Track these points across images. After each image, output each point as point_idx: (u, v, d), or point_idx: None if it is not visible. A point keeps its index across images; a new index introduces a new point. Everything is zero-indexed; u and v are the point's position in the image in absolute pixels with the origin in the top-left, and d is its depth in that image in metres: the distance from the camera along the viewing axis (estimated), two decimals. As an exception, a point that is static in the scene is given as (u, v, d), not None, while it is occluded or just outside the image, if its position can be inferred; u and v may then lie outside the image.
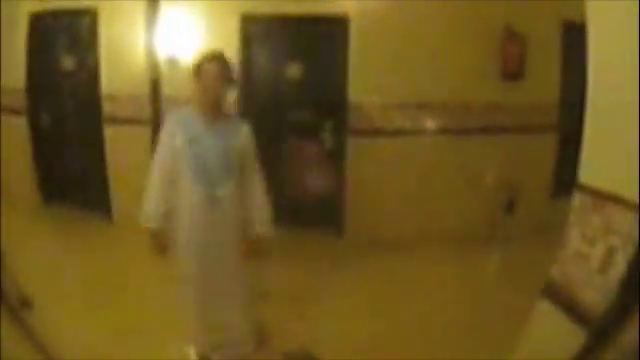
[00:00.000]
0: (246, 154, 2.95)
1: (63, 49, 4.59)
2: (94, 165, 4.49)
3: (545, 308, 2.40)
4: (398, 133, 4.30)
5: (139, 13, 4.24)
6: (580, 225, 2.28)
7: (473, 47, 4.19)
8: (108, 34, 4.34)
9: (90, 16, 4.36)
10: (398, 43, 4.13)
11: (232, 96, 3.13)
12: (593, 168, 2.25)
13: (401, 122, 4.29)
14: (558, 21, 4.26)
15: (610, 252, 2.11)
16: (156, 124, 2.92)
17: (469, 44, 4.17)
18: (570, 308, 2.27)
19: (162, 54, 4.22)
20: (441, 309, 3.44)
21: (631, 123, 1.98)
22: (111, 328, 3.17)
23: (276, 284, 3.58)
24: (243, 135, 2.95)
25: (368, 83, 4.22)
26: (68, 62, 4.58)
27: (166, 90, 4.24)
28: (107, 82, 4.36)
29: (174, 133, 2.86)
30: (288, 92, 4.41)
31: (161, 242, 2.92)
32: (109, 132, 4.43)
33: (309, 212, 4.33)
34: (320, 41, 4.40)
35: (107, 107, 4.41)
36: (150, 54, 4.25)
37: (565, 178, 2.48)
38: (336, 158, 4.37)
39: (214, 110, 2.88)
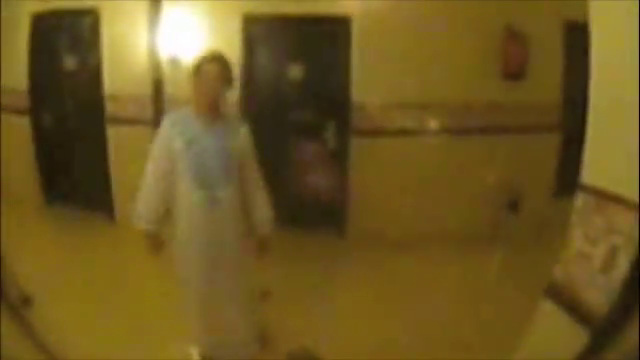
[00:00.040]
0: (245, 154, 2.95)
1: (65, 49, 4.59)
2: (96, 165, 4.50)
3: (548, 308, 2.40)
4: (400, 133, 4.30)
5: (141, 13, 4.24)
6: (583, 225, 2.28)
7: (475, 47, 4.19)
8: (110, 34, 4.34)
9: (92, 16, 4.36)
10: (400, 43, 4.13)
11: (231, 97, 3.13)
12: (595, 168, 2.25)
13: (403, 122, 4.29)
14: (560, 21, 4.26)
15: (613, 252, 2.12)
16: (158, 124, 2.92)
17: (471, 44, 4.17)
18: (573, 308, 2.28)
19: (164, 54, 4.22)
20: (443, 309, 3.44)
21: (633, 123, 1.98)
22: (113, 328, 3.18)
23: (278, 284, 3.58)
24: (242, 136, 2.95)
25: (370, 83, 4.22)
26: (70, 62, 4.59)
27: (168, 90, 4.24)
28: (109, 82, 4.36)
29: (172, 135, 2.86)
30: (290, 92, 4.41)
31: (155, 243, 2.93)
32: (111, 132, 4.43)
33: (311, 212, 4.33)
34: (322, 41, 4.40)
35: (109, 107, 4.41)
36: (152, 54, 4.25)
37: (567, 178, 2.48)
38: (338, 158, 4.37)
39: (213, 111, 2.88)
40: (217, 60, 2.84)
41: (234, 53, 4.01)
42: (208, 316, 3.08)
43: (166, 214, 2.92)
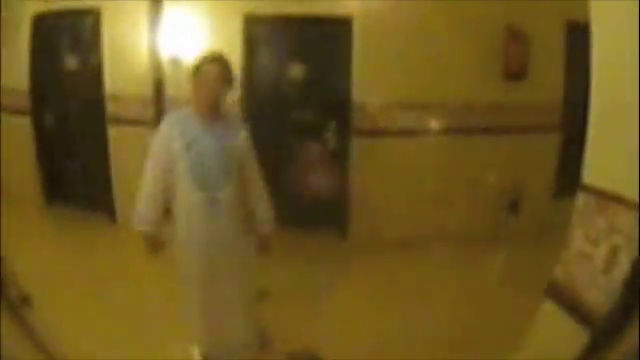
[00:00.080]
0: (245, 155, 2.95)
1: (66, 49, 4.59)
2: (97, 165, 4.49)
3: (549, 308, 2.40)
4: (401, 133, 4.30)
5: (142, 13, 4.24)
6: (583, 225, 2.28)
7: (476, 47, 4.19)
8: (111, 34, 4.34)
9: (93, 16, 4.36)
10: (401, 43, 4.13)
11: (231, 97, 3.13)
12: (597, 168, 2.25)
13: (404, 122, 4.29)
14: (561, 21, 4.25)
15: (614, 252, 2.12)
16: (159, 124, 2.93)
17: (472, 44, 4.16)
18: (574, 308, 2.28)
19: (165, 54, 4.22)
20: (444, 309, 3.44)
21: (634, 123, 1.98)
22: (114, 328, 3.18)
23: (279, 284, 3.58)
24: (242, 136, 2.95)
25: (371, 83, 4.22)
26: (71, 62, 4.58)
27: (169, 90, 4.24)
28: (110, 82, 4.36)
29: (171, 135, 2.86)
30: (291, 92, 4.41)
31: (154, 244, 2.93)
32: (113, 132, 4.43)
33: (312, 212, 4.32)
34: (323, 41, 4.40)
35: (110, 107, 4.41)
36: (153, 54, 4.25)
37: (568, 178, 2.48)
38: (339, 158, 4.36)
39: (213, 111, 2.88)
40: (217, 60, 2.85)
41: (235, 53, 4.01)
42: (209, 316, 3.08)
43: (166, 215, 2.93)
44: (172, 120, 2.87)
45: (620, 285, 2.03)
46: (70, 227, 4.43)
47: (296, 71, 4.38)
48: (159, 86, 4.27)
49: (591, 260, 2.19)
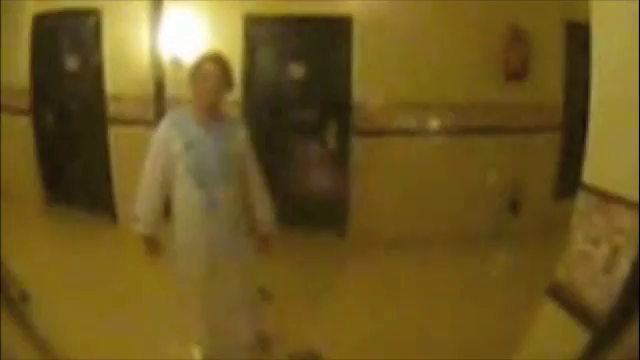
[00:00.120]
0: (245, 155, 2.94)
1: (67, 50, 4.59)
2: (98, 165, 4.50)
3: (549, 308, 2.40)
4: (402, 133, 4.31)
5: (143, 14, 4.24)
6: (584, 225, 2.28)
7: (477, 47, 4.19)
8: (112, 35, 4.35)
9: (94, 17, 4.36)
10: (401, 43, 4.13)
11: (231, 97, 3.12)
12: (597, 168, 2.25)
13: (405, 122, 4.29)
14: (562, 21, 4.26)
15: (614, 252, 2.12)
16: (160, 125, 2.93)
17: (472, 44, 4.17)
18: (574, 308, 2.28)
19: (166, 55, 4.22)
20: (445, 309, 3.44)
21: (635, 123, 1.98)
22: (115, 329, 3.17)
23: (279, 285, 3.58)
24: (241, 137, 2.95)
25: (371, 83, 4.22)
26: (72, 63, 4.59)
27: (170, 91, 4.24)
28: (111, 83, 4.37)
29: (169, 137, 2.84)
30: (291, 92, 4.41)
31: (153, 246, 2.92)
32: (113, 133, 4.43)
33: (312, 212, 4.33)
34: (323, 41, 4.41)
35: (111, 107, 4.42)
36: (154, 55, 4.25)
37: (569, 178, 2.48)
38: (340, 158, 4.37)
39: (212, 112, 2.87)
40: (216, 60, 2.84)
41: (235, 53, 4.02)
42: (209, 317, 3.08)
43: (165, 216, 2.93)
44: (171, 120, 2.86)
45: (620, 285, 2.03)
46: (70, 227, 4.43)
47: (296, 71, 4.38)
48: (160, 86, 4.27)
49: (592, 260, 2.19)
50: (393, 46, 4.15)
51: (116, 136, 4.42)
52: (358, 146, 4.35)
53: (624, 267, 2.04)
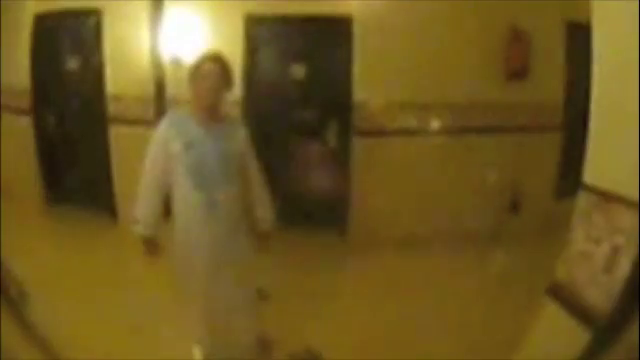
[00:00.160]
0: (245, 155, 2.95)
1: (68, 50, 4.59)
2: (98, 165, 4.49)
3: (550, 308, 2.40)
4: (402, 133, 4.30)
5: (144, 14, 4.24)
6: (585, 225, 2.28)
7: (477, 47, 4.19)
8: (113, 35, 4.34)
9: (95, 17, 4.36)
10: (402, 43, 4.13)
11: (231, 97, 3.13)
12: (598, 168, 2.25)
13: (405, 122, 4.29)
14: (563, 21, 4.25)
15: (615, 252, 2.12)
16: (160, 125, 2.94)
17: (473, 44, 4.16)
18: (575, 308, 2.28)
19: (167, 55, 4.22)
20: (445, 308, 3.44)
21: (635, 123, 1.98)
22: (116, 328, 3.18)
23: (279, 284, 3.58)
24: (241, 137, 2.95)
25: (372, 83, 4.22)
26: (73, 63, 4.59)
27: (171, 91, 4.24)
28: (112, 83, 4.37)
29: (168, 138, 2.85)
30: (292, 92, 4.41)
31: (153, 247, 2.93)
32: (114, 132, 4.43)
33: (313, 212, 4.32)
34: (324, 41, 4.40)
35: (112, 107, 4.41)
36: (155, 55, 4.25)
37: (570, 178, 2.48)
38: (340, 158, 4.36)
39: (212, 112, 2.88)
40: (216, 60, 2.85)
41: (236, 53, 4.01)
42: (209, 317, 3.09)
43: (165, 216, 2.93)
44: (170, 121, 2.87)
45: (621, 284, 2.03)
46: (71, 227, 4.43)
47: (297, 71, 4.38)
48: (160, 86, 4.27)
49: (592, 259, 2.19)
50: (393, 46, 4.14)
51: (116, 136, 4.41)
52: (359, 146, 4.34)
53: (624, 267, 2.05)
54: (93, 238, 4.28)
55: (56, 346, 2.57)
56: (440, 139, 4.28)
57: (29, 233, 3.79)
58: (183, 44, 4.12)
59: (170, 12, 4.21)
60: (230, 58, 2.97)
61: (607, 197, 2.10)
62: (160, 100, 4.27)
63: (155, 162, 2.84)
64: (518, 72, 4.28)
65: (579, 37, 2.62)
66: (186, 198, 2.81)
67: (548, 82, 4.30)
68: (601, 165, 2.17)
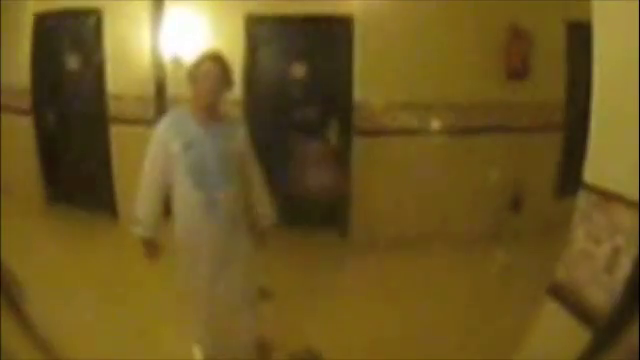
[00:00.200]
0: (245, 154, 2.94)
1: (68, 49, 4.59)
2: (99, 165, 4.49)
3: (550, 307, 2.40)
4: (403, 132, 4.30)
5: (144, 13, 4.24)
6: (585, 224, 2.29)
7: (478, 46, 4.19)
8: (113, 34, 4.34)
9: (95, 16, 4.36)
10: (403, 42, 4.13)
11: (232, 97, 3.12)
12: (598, 167, 2.25)
13: (406, 121, 4.28)
14: (564, 20, 4.25)
15: (616, 251, 2.12)
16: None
17: (474, 43, 4.16)
18: (575, 307, 2.28)
19: (167, 54, 4.22)
20: (445, 308, 3.44)
21: (636, 122, 1.98)
22: (116, 328, 3.18)
23: (280, 284, 3.58)
24: (241, 136, 2.94)
25: (373, 82, 4.22)
26: (73, 62, 4.58)
27: (171, 90, 4.24)
28: (112, 82, 4.36)
29: (167, 138, 2.85)
30: (293, 91, 4.41)
31: (153, 249, 2.93)
32: (114, 132, 4.43)
33: (313, 211, 4.32)
34: (325, 41, 4.40)
35: (113, 107, 4.41)
36: (155, 54, 4.25)
37: (570, 177, 2.48)
38: (341, 157, 4.36)
39: (211, 112, 2.87)
40: (216, 60, 2.84)
41: (237, 53, 4.01)
42: (211, 317, 3.08)
43: (166, 215, 2.93)
44: (169, 121, 2.86)
45: (622, 284, 2.03)
46: (71, 226, 4.43)
47: (297, 70, 4.38)
48: (161, 86, 4.27)
49: (593, 259, 2.19)
50: (394, 46, 4.14)
51: (117, 135, 4.42)
52: (359, 145, 4.34)
53: (625, 266, 2.04)
54: (93, 237, 4.28)
55: (56, 346, 2.57)
56: (441, 139, 4.28)
57: (29, 232, 3.78)
58: (184, 44, 4.12)
59: (171, 11, 4.21)
60: (230, 57, 2.96)
61: (608, 197, 2.10)
62: (161, 100, 4.27)
63: (154, 163, 2.84)
64: (519, 72, 4.28)
65: (580, 36, 2.61)
66: (186, 198, 2.81)
67: (549, 82, 4.29)
68: (602, 165, 2.17)
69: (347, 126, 4.39)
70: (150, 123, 4.27)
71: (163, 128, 2.87)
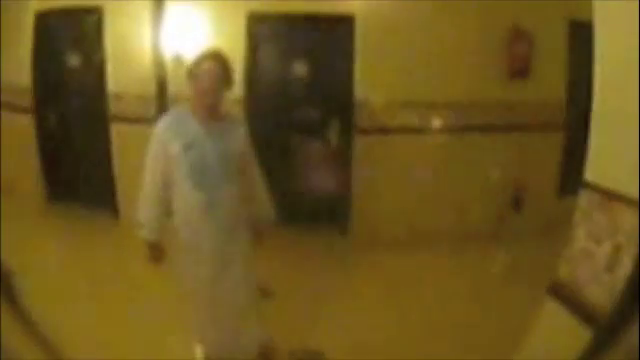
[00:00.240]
0: (245, 155, 2.92)
1: (69, 48, 4.59)
2: (100, 164, 4.49)
3: (551, 306, 2.40)
4: (404, 131, 4.30)
5: (145, 11, 4.24)
6: (586, 223, 2.28)
7: (479, 45, 4.19)
8: (114, 33, 4.34)
9: (96, 14, 4.36)
10: (404, 41, 4.13)
11: (233, 96, 3.11)
12: (600, 166, 2.25)
13: (407, 120, 4.28)
14: (565, 19, 4.24)
15: (616, 251, 2.11)
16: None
17: (475, 42, 4.16)
18: (576, 306, 2.28)
19: (168, 53, 4.21)
20: (447, 307, 3.44)
21: (637, 122, 1.98)
22: (117, 326, 3.18)
23: (281, 283, 3.58)
24: (241, 135, 2.92)
25: (374, 81, 4.22)
26: (74, 61, 4.59)
27: (172, 89, 4.23)
28: (113, 81, 4.36)
29: (166, 139, 2.81)
30: (294, 90, 4.41)
31: (158, 253, 2.90)
32: (115, 130, 4.43)
33: (314, 210, 4.32)
34: (326, 40, 4.40)
35: (113, 106, 4.41)
36: (156, 53, 4.25)
37: (572, 176, 2.48)
38: (342, 156, 4.36)
39: (212, 111, 2.84)
40: (216, 59, 2.81)
41: (238, 51, 4.01)
42: (212, 317, 3.07)
43: (167, 216, 2.92)
44: (166, 122, 2.82)
45: (623, 283, 2.03)
46: (72, 225, 4.43)
47: (299, 69, 4.38)
48: (162, 84, 4.27)
49: (594, 258, 2.19)
50: (395, 44, 4.14)
51: (118, 134, 4.42)
52: (360, 144, 4.34)
53: (626, 265, 2.04)
54: (94, 236, 4.28)
55: (56, 344, 2.56)
56: (442, 138, 4.28)
57: (30, 231, 3.79)
58: (185, 42, 4.12)
59: (172, 9, 4.21)
60: (232, 56, 2.95)
61: (609, 196, 2.10)
62: (162, 98, 4.27)
63: (155, 164, 2.81)
64: (520, 71, 4.28)
65: (581, 36, 2.61)
66: (186, 198, 2.79)
67: (550, 81, 4.30)
68: (603, 164, 2.16)
69: (348, 125, 4.39)
70: (151, 122, 4.26)
71: (162, 128, 2.83)
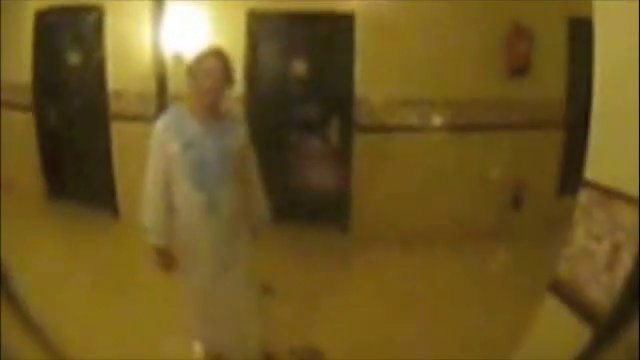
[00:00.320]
0: (244, 154, 2.90)
1: (69, 46, 4.59)
2: (100, 162, 4.50)
3: (551, 305, 2.40)
4: (404, 129, 4.30)
5: (145, 10, 4.24)
6: (586, 222, 2.28)
7: (480, 43, 4.19)
8: (114, 31, 4.34)
9: (96, 13, 4.36)
10: (404, 39, 4.13)
11: (234, 94, 3.09)
12: (599, 165, 2.25)
13: (407, 118, 4.29)
14: (565, 17, 4.25)
15: (616, 249, 2.11)
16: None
17: (475, 40, 4.16)
18: (576, 305, 2.28)
19: (168, 51, 4.22)
20: (447, 305, 3.44)
21: (637, 120, 1.98)
22: (117, 325, 3.18)
23: (281, 280, 3.58)
24: (241, 135, 2.89)
25: (374, 79, 4.22)
26: (74, 59, 4.59)
27: (172, 87, 4.24)
28: (113, 79, 4.37)
29: (165, 139, 2.77)
30: (294, 88, 4.41)
31: (168, 260, 2.87)
32: (115, 128, 4.44)
33: (315, 208, 4.33)
34: (326, 38, 4.40)
35: (113, 104, 4.42)
36: (156, 51, 4.25)
37: (571, 175, 2.48)
38: (342, 154, 4.37)
39: (212, 110, 2.80)
40: (218, 57, 2.77)
41: (238, 49, 4.01)
42: (212, 316, 3.06)
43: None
44: (165, 122, 2.78)
45: (622, 282, 2.03)
46: (72, 223, 4.44)
47: (299, 67, 4.38)
48: (162, 82, 4.27)
49: (594, 257, 2.19)
50: (395, 43, 4.14)
51: (118, 132, 4.42)
52: (360, 142, 4.35)
53: (626, 263, 2.04)
54: (94, 234, 4.29)
55: (57, 344, 2.56)
56: (442, 135, 4.28)
57: (30, 229, 3.79)
58: (185, 40, 4.12)
59: (172, 8, 4.21)
60: (232, 54, 2.93)
61: (609, 194, 2.10)
62: (162, 96, 4.27)
63: (157, 166, 2.77)
64: (520, 69, 4.28)
65: (581, 34, 2.61)
66: (186, 198, 2.76)
67: (550, 79, 4.30)
68: (603, 162, 2.17)
69: (348, 123, 4.40)
70: (151, 120, 4.24)
71: (162, 128, 2.78)
